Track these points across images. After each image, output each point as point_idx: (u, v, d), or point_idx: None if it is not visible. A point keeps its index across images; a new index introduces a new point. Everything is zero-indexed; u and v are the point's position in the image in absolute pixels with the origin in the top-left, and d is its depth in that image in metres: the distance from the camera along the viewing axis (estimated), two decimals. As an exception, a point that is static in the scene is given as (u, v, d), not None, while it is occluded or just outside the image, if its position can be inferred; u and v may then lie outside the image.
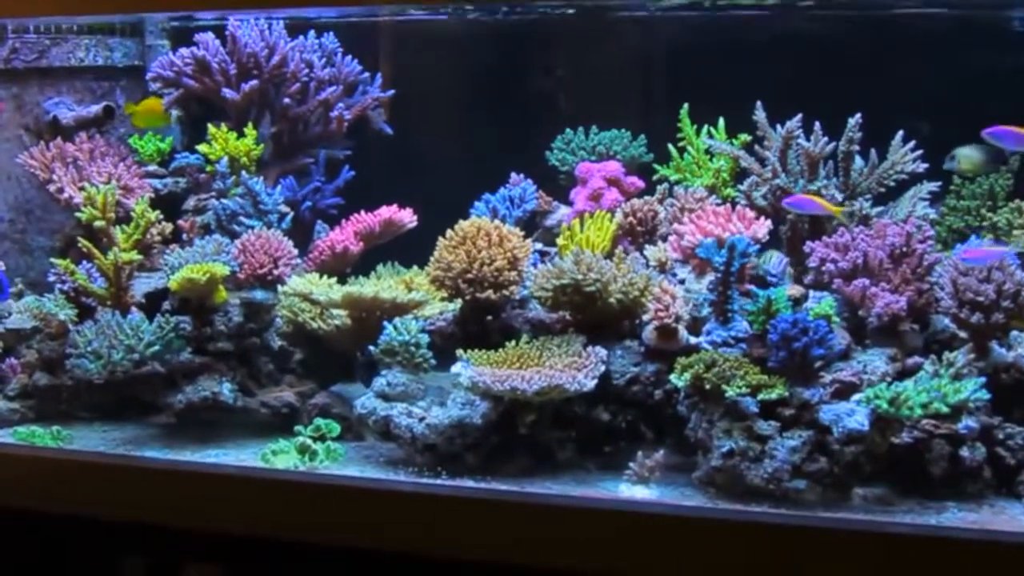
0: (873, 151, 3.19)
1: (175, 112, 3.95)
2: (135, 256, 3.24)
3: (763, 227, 3.11)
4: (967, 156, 3.28)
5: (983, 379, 2.55)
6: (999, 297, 2.68)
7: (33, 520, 2.76)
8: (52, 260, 3.34)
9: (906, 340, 2.79)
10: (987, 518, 2.48)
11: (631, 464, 2.70)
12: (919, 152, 3.16)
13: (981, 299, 2.69)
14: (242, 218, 3.48)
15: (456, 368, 2.80)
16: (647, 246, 3.35)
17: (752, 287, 2.97)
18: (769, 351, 2.66)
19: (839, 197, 3.14)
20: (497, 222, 3.14)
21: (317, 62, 3.77)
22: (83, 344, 3.07)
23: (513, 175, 3.68)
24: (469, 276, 3.00)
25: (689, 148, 3.61)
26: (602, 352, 2.81)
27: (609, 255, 3.12)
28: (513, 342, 2.92)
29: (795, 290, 2.97)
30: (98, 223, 3.29)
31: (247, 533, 2.60)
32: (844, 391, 2.62)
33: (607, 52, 3.95)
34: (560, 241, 3.34)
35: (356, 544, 2.50)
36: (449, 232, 3.09)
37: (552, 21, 3.81)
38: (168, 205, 3.60)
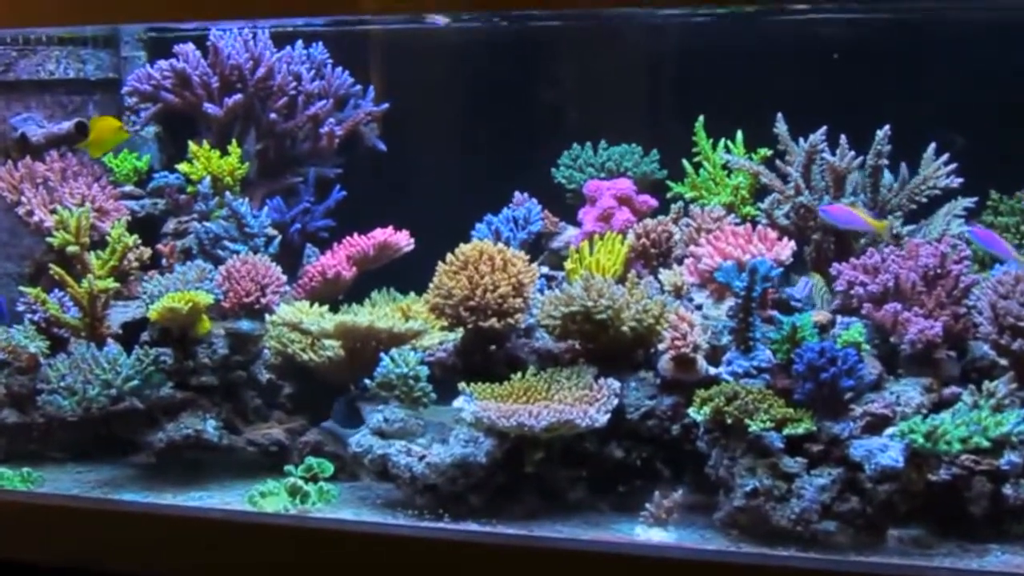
0: (904, 165, 3.21)
1: (152, 128, 3.97)
2: (111, 283, 3.24)
3: (786, 248, 3.12)
4: None
5: (1026, 410, 2.55)
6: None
7: (2, 569, 2.75)
8: (21, 288, 3.34)
9: (942, 369, 2.79)
10: (1033, 561, 2.48)
11: (647, 505, 2.71)
12: (953, 166, 3.17)
13: (1023, 324, 2.69)
14: (226, 242, 3.50)
15: (458, 402, 2.81)
16: (661, 270, 3.35)
17: (775, 313, 2.97)
18: (795, 382, 2.67)
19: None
20: (500, 245, 3.15)
21: (305, 74, 3.80)
22: (55, 379, 3.08)
23: (517, 194, 3.71)
24: (471, 303, 3.01)
25: (705, 164, 3.63)
26: (615, 384, 2.81)
27: (621, 280, 3.12)
28: (519, 374, 2.92)
29: (822, 316, 2.97)
30: (71, 248, 3.30)
31: (233, 582, 2.60)
32: (876, 425, 2.61)
33: (616, 62, 3.97)
34: (568, 265, 3.36)
35: (351, 593, 2.50)
36: (449, 256, 3.10)
37: (557, 29, 3.82)
38: (146, 228, 3.62)
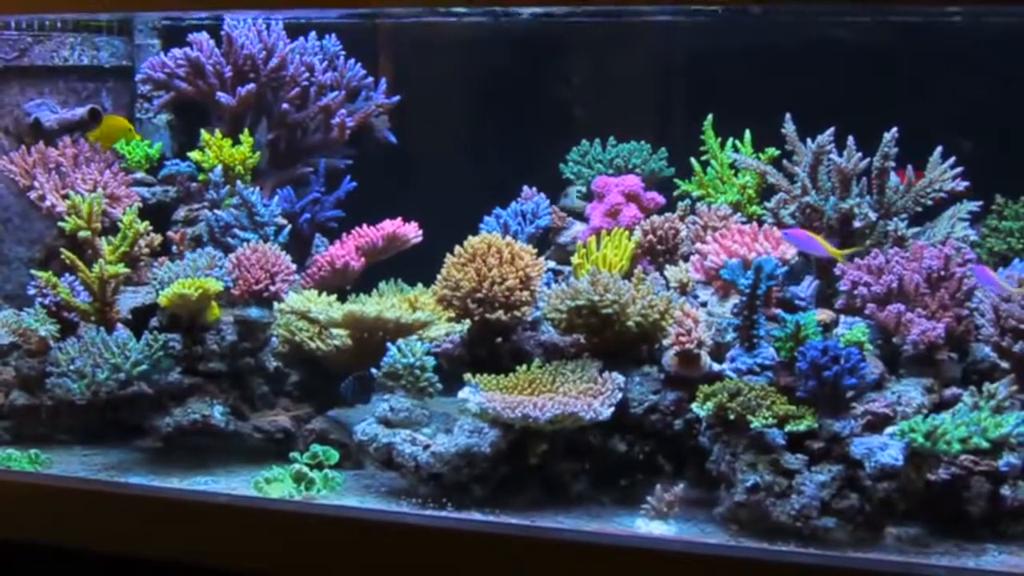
0: (910, 167, 3.21)
1: (165, 116, 3.99)
2: (121, 269, 3.27)
3: (791, 248, 3.14)
4: (581, 193, 3.69)
5: (1026, 412, 2.57)
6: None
7: (8, 550, 2.76)
8: (32, 272, 3.36)
9: (943, 370, 2.82)
10: (1029, 561, 2.50)
11: (648, 498, 2.73)
12: (959, 169, 3.18)
13: (1024, 327, 2.71)
14: (236, 230, 3.52)
15: (464, 393, 2.83)
16: (667, 266, 3.38)
17: (779, 311, 2.99)
18: (797, 380, 2.68)
19: (873, 216, 3.16)
20: (508, 238, 3.17)
21: (318, 65, 3.82)
22: (65, 362, 3.10)
23: (525, 188, 3.73)
24: (478, 295, 3.04)
25: (713, 162, 3.65)
26: (619, 378, 2.84)
27: (627, 275, 3.15)
28: (524, 366, 2.95)
29: (825, 315, 2.99)
30: (82, 233, 3.33)
31: (237, 566, 2.60)
32: (877, 423, 2.64)
33: (626, 59, 3.98)
34: (575, 259, 3.38)
35: (355, 579, 2.52)
36: (457, 248, 3.13)
37: (568, 25, 3.83)
38: (157, 215, 3.64)
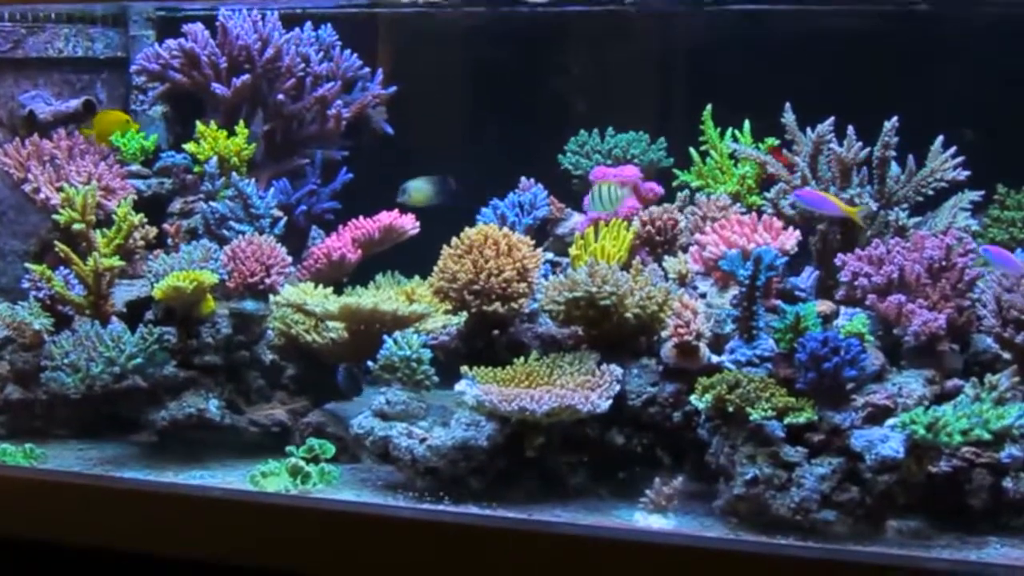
0: (911, 157, 3.19)
1: (160, 108, 3.98)
2: (116, 262, 3.26)
3: (791, 238, 3.12)
4: (417, 189, 3.67)
5: (1028, 404, 2.55)
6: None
7: (2, 546, 2.76)
8: (26, 265, 3.36)
9: (945, 361, 2.80)
10: (1031, 554, 2.48)
11: (647, 491, 2.71)
12: (960, 159, 3.16)
13: (1027, 317, 2.70)
14: (232, 222, 3.51)
15: (460, 386, 2.82)
16: (666, 257, 3.36)
17: (779, 302, 2.98)
18: (797, 371, 2.67)
19: (873, 206, 3.15)
20: (506, 230, 3.15)
21: (314, 56, 3.80)
22: (59, 356, 3.09)
23: (523, 179, 3.71)
24: (475, 287, 3.02)
25: (712, 152, 3.63)
26: (617, 371, 2.82)
27: (625, 266, 3.13)
28: (522, 359, 2.93)
29: (825, 306, 2.97)
30: (77, 226, 3.32)
31: (233, 561, 2.60)
32: (877, 415, 2.62)
33: (625, 49, 3.97)
34: (573, 251, 3.36)
35: (351, 573, 2.50)
36: (454, 240, 3.11)
37: (566, 15, 3.82)
38: (152, 207, 3.63)
